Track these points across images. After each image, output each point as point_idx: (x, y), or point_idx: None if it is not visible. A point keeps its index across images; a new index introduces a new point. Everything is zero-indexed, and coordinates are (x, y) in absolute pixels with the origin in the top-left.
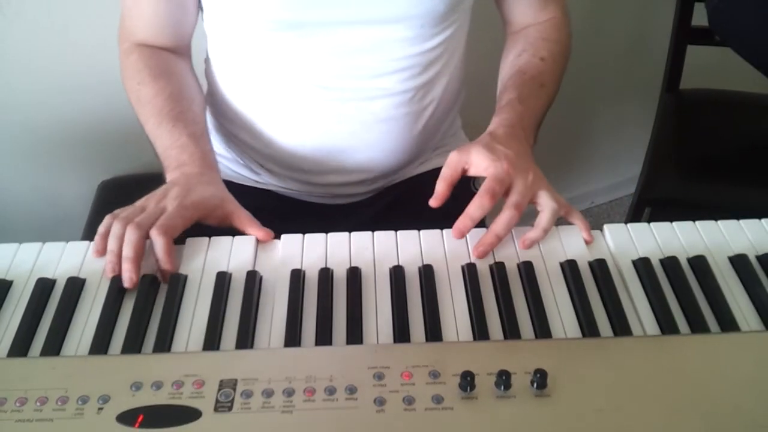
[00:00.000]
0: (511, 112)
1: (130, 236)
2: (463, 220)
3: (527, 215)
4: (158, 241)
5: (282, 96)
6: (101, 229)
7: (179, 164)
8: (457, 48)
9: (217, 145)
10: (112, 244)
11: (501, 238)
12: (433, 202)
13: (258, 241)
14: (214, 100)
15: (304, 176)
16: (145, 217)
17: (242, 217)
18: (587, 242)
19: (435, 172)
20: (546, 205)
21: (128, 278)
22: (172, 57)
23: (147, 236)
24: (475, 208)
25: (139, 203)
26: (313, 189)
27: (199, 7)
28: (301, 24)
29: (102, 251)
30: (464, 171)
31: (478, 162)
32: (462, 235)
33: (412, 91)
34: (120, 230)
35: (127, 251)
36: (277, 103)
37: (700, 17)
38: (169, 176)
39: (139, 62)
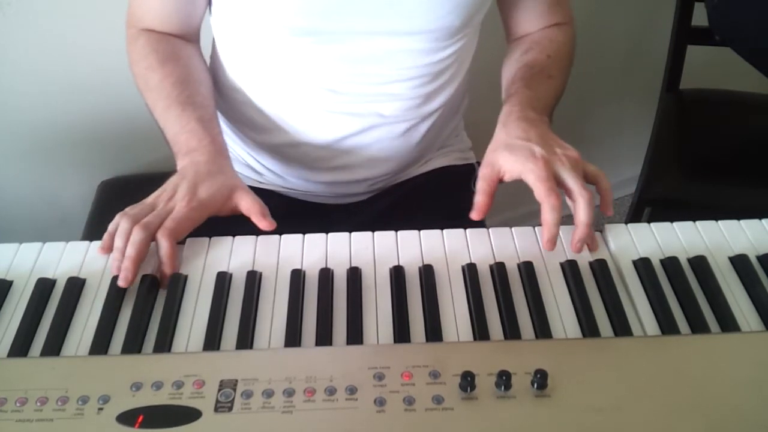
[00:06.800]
0: (519, 96)
1: (136, 236)
2: (550, 230)
3: (526, 216)
4: (163, 244)
5: (289, 95)
6: (111, 227)
7: (189, 150)
8: (466, 58)
9: None
10: (118, 242)
11: (590, 225)
12: (476, 215)
13: (257, 238)
14: (218, 93)
15: (307, 173)
16: (154, 217)
17: (249, 204)
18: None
19: (436, 172)
20: (595, 173)
21: (124, 277)
22: (180, 42)
23: (153, 237)
24: (550, 213)
25: (149, 200)
26: (315, 187)
27: (208, 2)
28: (318, 31)
29: (108, 248)
30: (500, 179)
31: (511, 167)
32: (555, 244)
33: (421, 97)
34: (128, 227)
35: (130, 250)
36: (283, 100)
37: (700, 17)
38: (180, 163)
39: (147, 47)
